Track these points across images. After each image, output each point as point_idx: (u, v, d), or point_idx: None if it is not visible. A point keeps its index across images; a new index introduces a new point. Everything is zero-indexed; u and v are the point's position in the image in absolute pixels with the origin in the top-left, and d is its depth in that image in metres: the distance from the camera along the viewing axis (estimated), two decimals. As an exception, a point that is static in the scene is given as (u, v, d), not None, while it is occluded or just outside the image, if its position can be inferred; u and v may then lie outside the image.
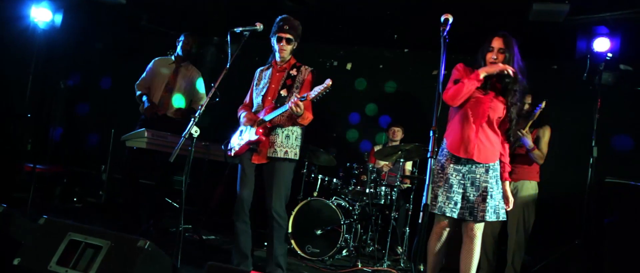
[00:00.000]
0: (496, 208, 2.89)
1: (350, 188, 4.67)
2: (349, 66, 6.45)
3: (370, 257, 4.57)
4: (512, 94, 2.88)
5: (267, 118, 3.16)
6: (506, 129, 2.96)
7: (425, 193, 2.13)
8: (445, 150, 2.97)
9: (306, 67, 3.28)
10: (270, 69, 3.35)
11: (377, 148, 5.23)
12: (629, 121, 5.31)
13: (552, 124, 4.06)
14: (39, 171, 4.95)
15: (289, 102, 2.99)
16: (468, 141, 2.86)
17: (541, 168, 4.13)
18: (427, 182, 2.15)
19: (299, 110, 2.97)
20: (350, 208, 4.66)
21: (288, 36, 3.22)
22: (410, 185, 5.04)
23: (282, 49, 3.24)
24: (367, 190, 4.53)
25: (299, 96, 2.98)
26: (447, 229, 2.98)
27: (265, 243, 4.65)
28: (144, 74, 4.57)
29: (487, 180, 2.88)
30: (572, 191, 5.18)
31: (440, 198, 2.88)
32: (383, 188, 4.69)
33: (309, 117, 3.16)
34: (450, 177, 2.89)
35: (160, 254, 2.31)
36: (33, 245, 2.40)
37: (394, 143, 5.26)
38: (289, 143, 3.18)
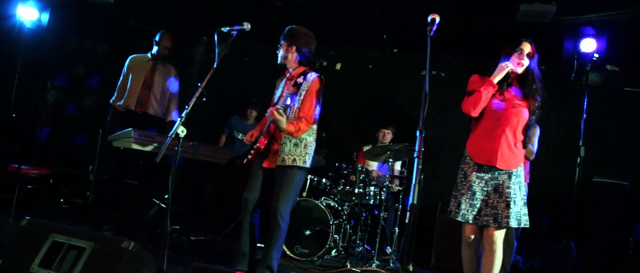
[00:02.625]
0: (518, 214, 2.87)
1: (339, 188, 4.66)
2: (338, 66, 6.44)
3: (360, 258, 4.56)
4: (534, 98, 2.91)
5: (265, 129, 3.22)
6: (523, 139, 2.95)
7: (411, 193, 2.13)
8: (467, 158, 2.98)
9: (313, 73, 3.26)
10: (285, 78, 3.38)
11: (366, 148, 5.23)
12: (615, 121, 5.36)
13: (540, 124, 4.08)
14: (24, 171, 4.88)
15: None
16: (491, 149, 2.87)
17: (530, 168, 4.14)
18: (413, 182, 2.15)
19: (277, 118, 2.92)
20: (340, 208, 4.65)
21: (282, 41, 3.26)
22: (400, 187, 5.05)
23: (278, 55, 3.31)
24: (356, 190, 4.53)
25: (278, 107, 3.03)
26: (474, 234, 2.97)
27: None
28: (121, 79, 4.48)
29: (509, 186, 2.87)
30: (560, 190, 5.21)
31: (463, 206, 2.89)
32: (372, 188, 4.68)
33: (301, 128, 3.10)
34: (473, 184, 2.90)
35: (145, 255, 2.29)
36: (15, 247, 2.36)
37: (384, 144, 5.26)
38: (297, 151, 3.16)
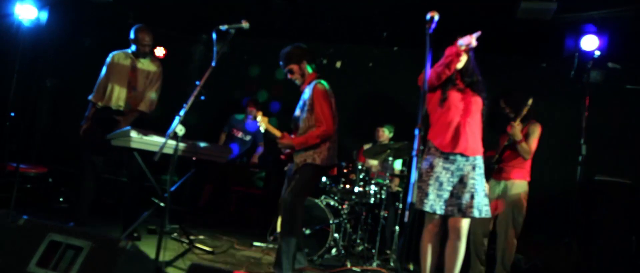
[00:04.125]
0: (480, 204, 2.94)
1: (339, 187, 4.64)
2: (338, 64, 6.42)
3: (360, 257, 4.54)
4: (478, 89, 3.04)
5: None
6: None
7: (410, 192, 2.11)
8: (432, 149, 3.01)
9: (315, 82, 3.44)
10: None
11: (366, 147, 5.21)
12: (617, 119, 5.33)
13: (542, 122, 4.05)
14: (22, 170, 4.86)
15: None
16: (458, 135, 2.94)
17: (531, 166, 4.12)
18: (412, 181, 2.13)
19: (284, 144, 3.42)
20: (339, 207, 4.63)
21: (284, 70, 3.54)
22: (399, 188, 5.03)
23: (296, 82, 3.57)
24: (356, 189, 4.51)
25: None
26: (439, 226, 3.03)
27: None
28: (101, 76, 4.27)
29: (474, 177, 2.95)
30: (561, 189, 5.20)
31: (431, 196, 2.91)
32: (372, 186, 4.66)
33: (318, 134, 3.33)
34: (440, 175, 2.94)
35: (142, 255, 2.27)
36: (12, 246, 2.35)
37: (382, 141, 5.24)
38: (307, 152, 3.41)
